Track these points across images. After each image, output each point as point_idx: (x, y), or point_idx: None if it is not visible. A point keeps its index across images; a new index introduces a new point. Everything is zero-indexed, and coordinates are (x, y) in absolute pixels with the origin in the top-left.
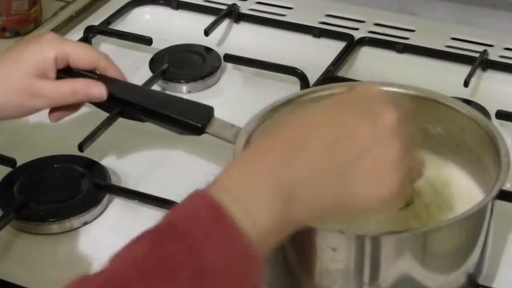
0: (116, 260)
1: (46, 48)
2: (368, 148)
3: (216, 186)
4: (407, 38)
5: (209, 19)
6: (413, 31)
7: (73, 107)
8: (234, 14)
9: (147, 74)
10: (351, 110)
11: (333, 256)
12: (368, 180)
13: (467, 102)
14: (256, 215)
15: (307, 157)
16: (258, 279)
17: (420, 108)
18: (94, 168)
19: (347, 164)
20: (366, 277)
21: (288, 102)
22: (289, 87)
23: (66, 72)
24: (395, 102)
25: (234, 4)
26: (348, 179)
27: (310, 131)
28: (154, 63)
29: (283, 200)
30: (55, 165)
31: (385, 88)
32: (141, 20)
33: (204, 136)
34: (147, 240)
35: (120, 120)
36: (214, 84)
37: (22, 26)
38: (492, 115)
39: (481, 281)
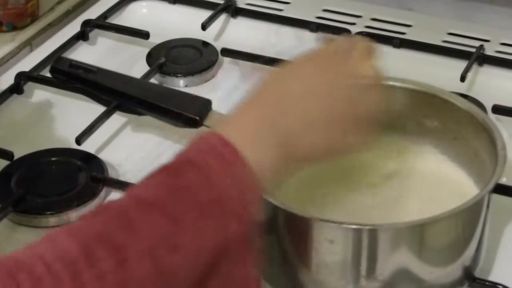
0: (137, 188)
1: None
2: (352, 96)
3: (222, 128)
4: (404, 33)
5: (206, 14)
6: (410, 26)
7: None
8: (232, 9)
9: (144, 68)
10: (336, 63)
11: (330, 248)
12: (350, 126)
13: (464, 96)
14: (257, 155)
15: (297, 108)
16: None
17: (417, 102)
18: (92, 161)
19: (336, 112)
20: (363, 270)
21: None
22: None
23: (60, 71)
24: (371, 51)
25: None
26: (336, 125)
27: (297, 82)
28: (151, 57)
29: (278, 143)
30: (53, 158)
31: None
32: (138, 14)
33: (201, 129)
34: (163, 173)
35: (118, 113)
36: (211, 78)
37: (19, 20)
38: (489, 109)
39: (477, 274)
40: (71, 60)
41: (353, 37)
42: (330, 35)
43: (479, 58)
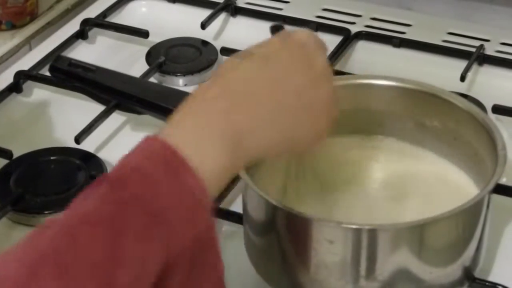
0: (72, 210)
1: None
2: (306, 90)
3: (165, 132)
4: (403, 33)
5: (205, 13)
6: (409, 25)
7: None
8: (231, 8)
9: (143, 67)
10: (288, 54)
11: (330, 248)
12: (305, 118)
13: (464, 96)
14: (205, 157)
15: (250, 101)
16: (210, 221)
17: (417, 101)
18: (91, 161)
19: (287, 104)
20: (362, 270)
21: None
22: None
23: (60, 70)
24: (324, 45)
25: None
26: (289, 118)
27: (251, 75)
28: (150, 56)
29: (231, 140)
30: (52, 157)
31: (381, 82)
32: (137, 13)
33: None
34: (101, 190)
35: (117, 112)
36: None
37: (18, 19)
38: (489, 109)
39: (477, 274)
40: (70, 59)
41: (302, 30)
42: (282, 27)
43: (479, 58)
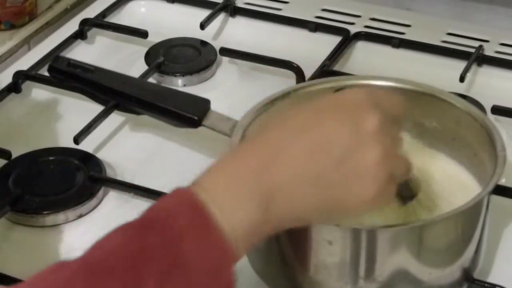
0: (94, 249)
1: None
2: (349, 154)
3: (197, 185)
4: (403, 33)
5: (205, 13)
6: (409, 26)
7: None
8: (230, 8)
9: (142, 67)
10: (334, 115)
11: (329, 249)
12: (348, 185)
13: (463, 97)
14: (233, 216)
15: (288, 161)
16: (230, 279)
17: (416, 102)
18: (90, 161)
19: (327, 170)
20: (362, 271)
21: (284, 96)
22: (285, 81)
23: (58, 71)
24: (381, 106)
25: None
26: (329, 184)
27: (292, 135)
28: (149, 57)
29: (262, 202)
30: (51, 158)
31: (381, 83)
32: (136, 13)
33: (200, 128)
34: (127, 232)
35: (116, 112)
36: (209, 78)
37: (17, 19)
38: (488, 110)
39: (476, 275)
40: (69, 59)
41: (357, 90)
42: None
43: (479, 58)
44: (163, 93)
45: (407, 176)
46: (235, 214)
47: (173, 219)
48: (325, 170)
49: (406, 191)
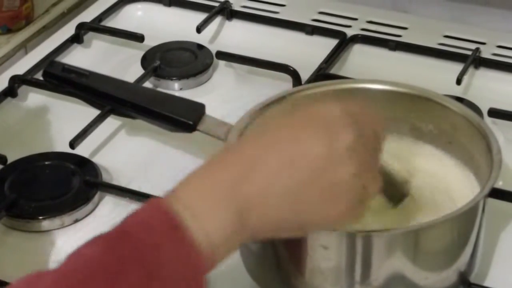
0: (68, 261)
1: None
2: (323, 169)
3: (173, 195)
4: (399, 36)
5: (201, 16)
6: (405, 28)
7: None
8: (227, 11)
9: (139, 71)
10: (310, 130)
11: (325, 254)
12: (321, 201)
13: (460, 100)
14: (209, 225)
15: (262, 174)
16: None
17: (412, 106)
18: (85, 166)
19: (300, 184)
20: (357, 276)
21: (280, 100)
22: (281, 84)
23: (53, 76)
24: (358, 121)
25: (227, 1)
26: (302, 198)
27: (268, 149)
28: (146, 60)
29: (237, 212)
30: (46, 162)
31: (377, 86)
32: (133, 17)
33: (195, 133)
34: (100, 244)
35: (112, 117)
36: (206, 81)
37: (13, 23)
38: (485, 113)
39: (472, 279)
40: (63, 64)
41: (335, 104)
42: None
43: (475, 60)
44: (158, 97)
45: (379, 192)
46: (209, 223)
47: (148, 232)
48: (298, 184)
49: (394, 192)
